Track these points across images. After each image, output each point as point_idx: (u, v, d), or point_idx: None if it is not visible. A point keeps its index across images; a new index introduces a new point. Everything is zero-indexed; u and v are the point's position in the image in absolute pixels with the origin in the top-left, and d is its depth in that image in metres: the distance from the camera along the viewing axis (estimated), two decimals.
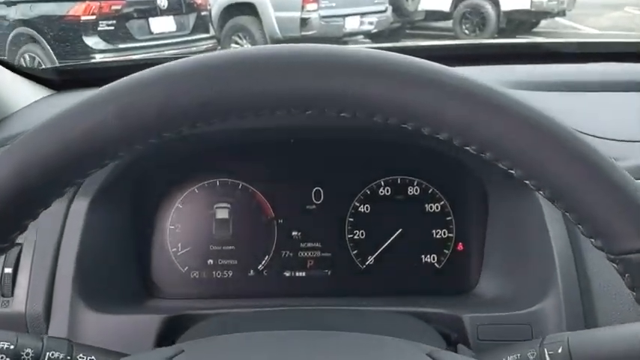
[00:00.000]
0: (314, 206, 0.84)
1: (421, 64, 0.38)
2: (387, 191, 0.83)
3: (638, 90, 0.90)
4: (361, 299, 0.79)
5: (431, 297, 0.76)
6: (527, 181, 0.38)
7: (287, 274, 0.83)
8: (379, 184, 0.83)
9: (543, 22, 8.14)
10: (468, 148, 0.38)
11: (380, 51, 0.38)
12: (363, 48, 0.39)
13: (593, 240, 0.38)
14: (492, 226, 0.78)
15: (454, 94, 0.37)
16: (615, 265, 0.38)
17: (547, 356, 0.53)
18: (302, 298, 0.80)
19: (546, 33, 8.08)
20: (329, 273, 0.83)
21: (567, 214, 0.38)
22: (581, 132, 0.38)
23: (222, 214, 0.83)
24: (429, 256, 0.83)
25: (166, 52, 5.71)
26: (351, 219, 0.83)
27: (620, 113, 0.82)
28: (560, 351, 0.52)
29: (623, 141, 0.74)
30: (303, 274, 0.83)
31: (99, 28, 5.44)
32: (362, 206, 0.83)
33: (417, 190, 0.83)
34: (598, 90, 0.90)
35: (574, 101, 0.86)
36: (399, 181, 0.83)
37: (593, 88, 0.90)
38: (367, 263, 0.83)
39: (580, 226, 0.38)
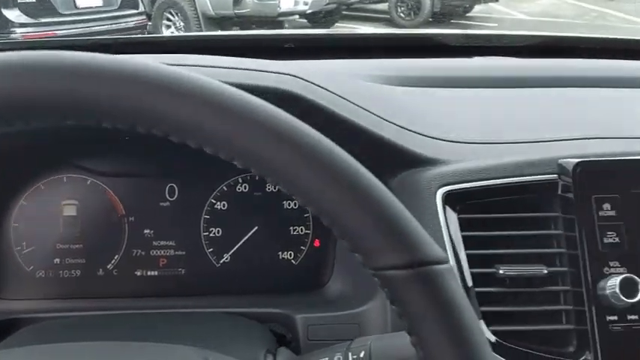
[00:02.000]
0: (168, 203, 0.81)
1: (176, 75, 0.36)
2: (245, 188, 0.82)
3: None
4: (216, 298, 0.77)
5: (279, 295, 0.76)
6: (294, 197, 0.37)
7: (138, 273, 0.80)
8: (236, 181, 0.81)
9: (477, 7, 8.29)
10: (233, 161, 0.36)
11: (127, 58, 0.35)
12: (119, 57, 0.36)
13: (356, 255, 0.38)
14: None
15: (206, 104, 0.36)
16: (376, 280, 0.38)
17: None
18: (154, 299, 0.78)
19: (480, 18, 8.25)
20: (183, 272, 0.81)
21: (331, 228, 0.38)
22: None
23: (70, 211, 0.80)
24: (286, 252, 0.82)
25: (93, 28, 5.49)
26: (207, 216, 0.81)
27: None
28: (362, 355, 0.53)
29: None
30: (156, 273, 0.80)
31: (20, 1, 5.17)
32: (218, 203, 0.81)
33: (274, 187, 0.81)
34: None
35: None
36: (256, 178, 0.81)
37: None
38: (222, 261, 0.81)
39: (343, 241, 0.38)
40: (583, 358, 0.62)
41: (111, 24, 5.53)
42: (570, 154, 0.67)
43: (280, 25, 6.55)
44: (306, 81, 0.67)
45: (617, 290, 0.61)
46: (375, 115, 0.69)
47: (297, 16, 6.61)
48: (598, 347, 0.61)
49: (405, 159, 0.68)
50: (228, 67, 0.67)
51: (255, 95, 0.64)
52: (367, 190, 0.37)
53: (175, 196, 0.81)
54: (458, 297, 0.39)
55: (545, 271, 0.64)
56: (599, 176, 0.65)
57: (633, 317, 0.62)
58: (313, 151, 0.37)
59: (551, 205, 0.66)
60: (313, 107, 0.65)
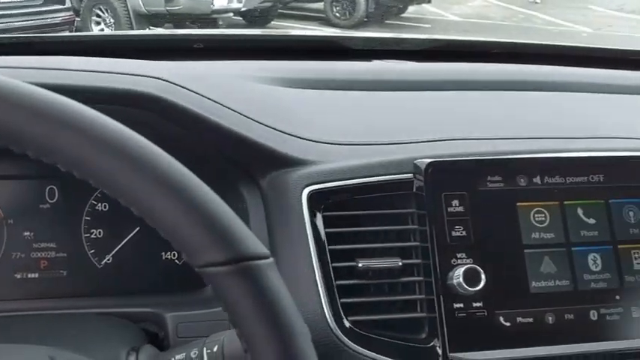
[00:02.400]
0: (48, 205, 0.81)
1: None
2: None
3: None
4: (95, 299, 0.78)
5: (157, 295, 0.77)
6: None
7: (18, 276, 0.80)
8: None
9: (411, 9, 8.47)
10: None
11: None
12: None
13: (181, 254, 0.40)
14: None
15: (35, 115, 0.37)
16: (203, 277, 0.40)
17: (205, 355, 0.56)
18: (35, 301, 0.78)
19: (414, 19, 8.44)
20: (65, 274, 0.81)
21: (156, 229, 0.40)
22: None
23: None
24: (169, 253, 0.83)
25: (16, 24, 5.29)
26: (88, 217, 0.81)
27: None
28: (215, 349, 0.55)
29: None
30: (37, 275, 0.80)
31: None
32: (99, 204, 0.82)
33: None
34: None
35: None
36: None
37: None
38: (105, 262, 0.82)
39: (170, 240, 0.40)
40: (432, 343, 0.67)
41: (35, 19, 5.33)
42: (425, 154, 0.72)
43: (214, 23, 6.50)
44: (170, 82, 0.69)
45: (462, 280, 0.66)
46: (244, 115, 0.72)
47: (231, 14, 6.57)
48: (445, 333, 0.66)
49: (275, 160, 0.71)
50: (81, 70, 0.68)
51: (103, 98, 0.66)
52: (187, 190, 0.39)
53: (55, 198, 0.81)
54: (278, 291, 0.42)
55: (400, 263, 0.68)
56: (449, 175, 0.70)
57: (477, 305, 0.67)
58: (134, 153, 0.39)
59: (407, 202, 0.71)
60: (173, 108, 0.67)
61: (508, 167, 0.72)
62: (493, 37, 1.32)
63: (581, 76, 1.05)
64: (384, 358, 0.65)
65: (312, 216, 0.68)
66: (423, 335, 0.68)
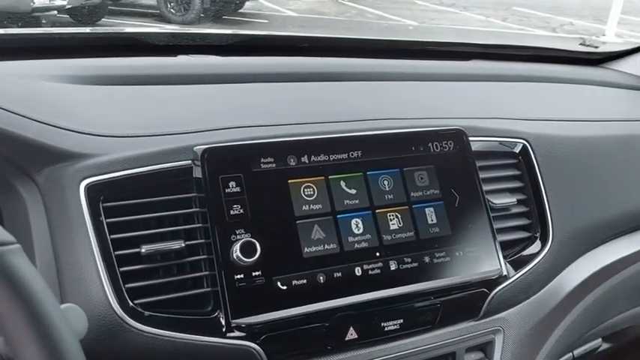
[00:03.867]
0: None
1: None
2: None
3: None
4: None
5: None
6: None
7: None
8: None
9: (248, 4, 8.53)
10: None
11: None
12: None
13: None
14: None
15: None
16: None
17: None
18: None
19: (251, 14, 8.51)
20: None
21: None
22: None
23: None
24: None
25: None
26: None
27: None
28: None
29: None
30: None
31: None
32: None
33: None
34: None
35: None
36: None
37: None
38: None
39: None
40: (216, 314, 0.73)
41: None
42: (204, 142, 0.78)
43: (37, 22, 6.04)
44: None
45: (239, 253, 0.73)
46: (15, 113, 0.72)
47: (55, 12, 6.15)
48: (227, 302, 0.73)
49: (50, 155, 0.73)
50: None
51: None
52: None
53: None
54: (23, 275, 0.45)
55: (184, 245, 0.74)
56: (225, 159, 0.77)
57: (256, 274, 0.75)
58: None
59: (189, 187, 0.77)
60: None
61: (278, 149, 0.80)
62: (328, 32, 1.42)
63: (380, 66, 1.17)
64: (172, 333, 0.71)
65: (93, 208, 0.71)
66: (209, 308, 0.74)
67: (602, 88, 1.37)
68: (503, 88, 1.24)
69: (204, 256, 0.75)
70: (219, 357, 0.73)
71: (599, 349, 1.20)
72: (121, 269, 0.71)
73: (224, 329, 0.72)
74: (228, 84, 1.01)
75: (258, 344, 0.74)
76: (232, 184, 0.77)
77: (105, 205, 0.72)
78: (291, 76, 1.08)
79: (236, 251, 0.73)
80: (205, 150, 0.76)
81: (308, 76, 1.08)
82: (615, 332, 1.19)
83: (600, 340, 1.17)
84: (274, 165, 0.79)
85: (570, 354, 1.11)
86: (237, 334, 0.73)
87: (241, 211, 0.76)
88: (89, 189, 0.72)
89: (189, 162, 0.77)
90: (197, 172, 0.76)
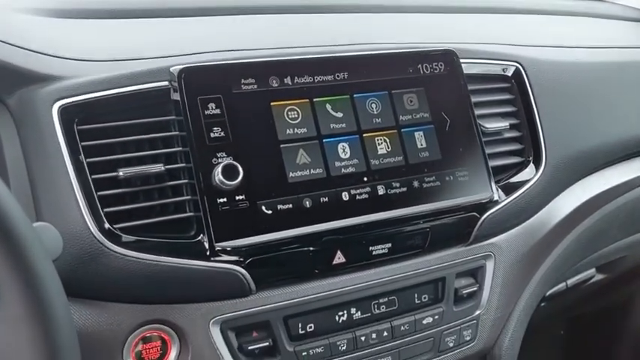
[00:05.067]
0: None
1: None
2: None
3: None
4: None
5: None
6: None
7: None
8: None
9: None
10: None
11: None
12: None
13: None
14: None
15: None
16: None
17: None
18: None
19: None
20: None
21: None
22: None
23: None
24: None
25: None
26: None
27: None
28: None
29: None
30: None
31: None
32: None
33: None
34: None
35: None
36: None
37: None
38: None
39: None
40: (199, 238, 0.71)
41: None
42: (183, 63, 0.74)
43: None
44: None
45: (221, 176, 0.71)
46: None
47: None
48: (210, 226, 0.71)
49: (22, 77, 0.70)
50: None
51: None
52: None
53: None
54: None
55: (163, 168, 0.72)
56: (203, 80, 0.74)
57: (239, 197, 0.73)
58: None
59: (167, 109, 0.74)
60: None
61: (260, 70, 0.77)
62: None
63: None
64: (154, 256, 0.69)
65: (67, 130, 0.68)
66: (192, 233, 0.72)
67: (602, 20, 1.33)
68: (499, 19, 1.20)
69: (186, 181, 0.73)
70: (205, 282, 0.72)
71: (593, 280, 1.19)
72: (99, 193, 0.69)
73: (208, 253, 0.71)
74: (208, 16, 0.97)
75: (244, 268, 0.73)
76: (212, 105, 0.74)
77: (80, 127, 0.69)
78: (273, 8, 1.03)
79: (218, 174, 0.71)
80: (182, 70, 0.73)
81: (291, 9, 1.04)
82: (609, 263, 1.18)
83: (594, 270, 1.17)
84: (256, 86, 0.76)
85: (564, 284, 1.11)
86: (221, 257, 0.71)
87: (222, 134, 0.73)
88: (63, 111, 0.69)
89: (166, 83, 0.74)
90: (175, 94, 0.73)
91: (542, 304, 1.11)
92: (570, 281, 1.11)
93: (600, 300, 1.44)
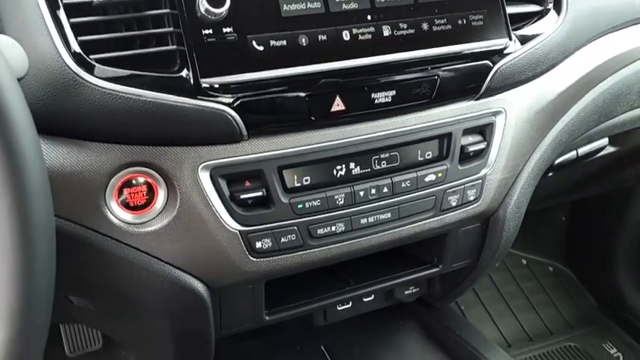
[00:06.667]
0: None
1: None
2: None
3: None
4: None
5: None
6: None
7: None
8: None
9: None
10: None
11: None
12: None
13: None
14: None
15: None
16: None
17: None
18: None
19: None
20: None
21: None
22: None
23: None
24: None
25: None
26: None
27: None
28: None
29: None
30: None
31: None
32: None
33: None
34: None
35: None
36: None
37: None
38: None
39: None
40: (182, 74, 0.65)
41: None
42: None
43: None
44: None
45: (207, 4, 0.63)
46: None
47: None
48: (195, 59, 0.64)
49: None
50: None
51: None
52: None
53: None
54: None
55: None
56: None
57: (227, 30, 0.65)
58: None
59: None
60: None
61: None
62: None
63: None
64: (134, 89, 0.63)
65: None
66: (176, 67, 0.66)
67: None
68: None
69: (167, 10, 0.65)
70: (191, 122, 0.66)
71: (604, 152, 1.14)
72: (72, 20, 0.61)
73: (193, 89, 0.65)
74: None
75: (233, 109, 0.67)
76: None
77: None
78: None
79: (203, 2, 0.63)
80: None
81: None
82: (623, 134, 1.12)
83: (606, 139, 1.11)
84: None
85: (574, 152, 1.06)
86: (208, 94, 0.65)
87: None
88: None
89: None
90: None
91: (550, 174, 1.06)
92: (581, 150, 1.05)
93: (607, 180, 1.40)
